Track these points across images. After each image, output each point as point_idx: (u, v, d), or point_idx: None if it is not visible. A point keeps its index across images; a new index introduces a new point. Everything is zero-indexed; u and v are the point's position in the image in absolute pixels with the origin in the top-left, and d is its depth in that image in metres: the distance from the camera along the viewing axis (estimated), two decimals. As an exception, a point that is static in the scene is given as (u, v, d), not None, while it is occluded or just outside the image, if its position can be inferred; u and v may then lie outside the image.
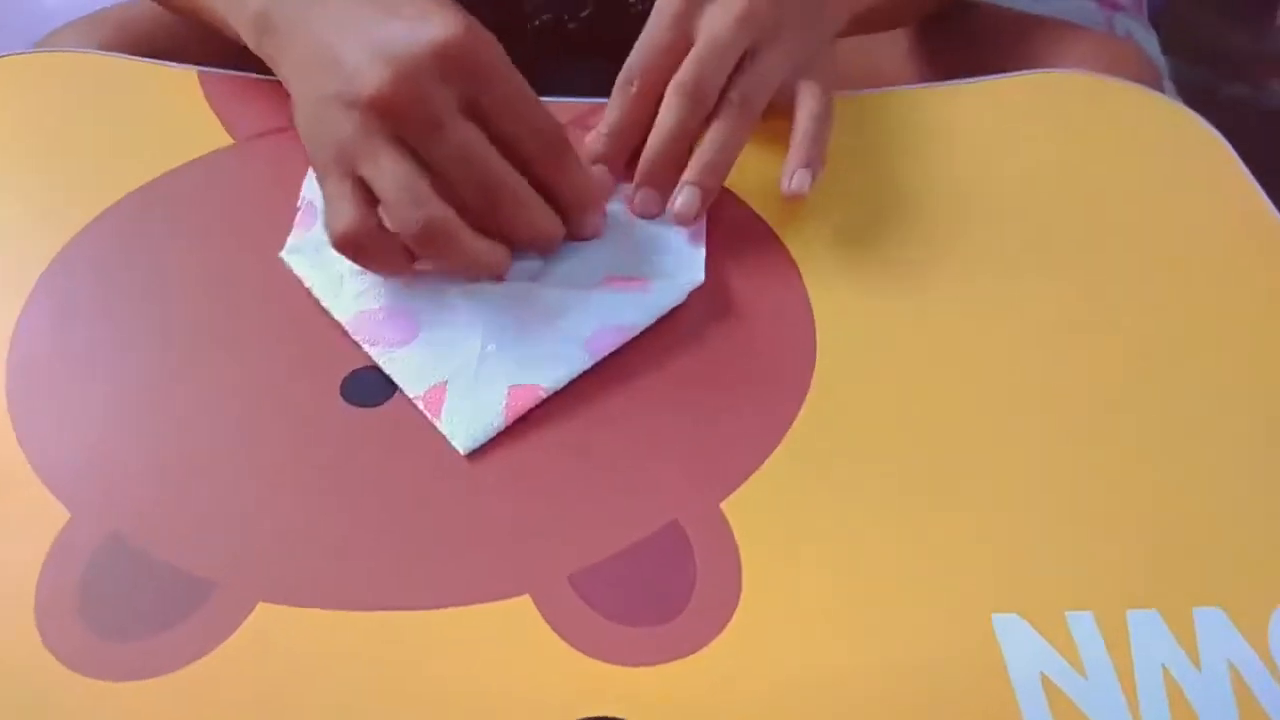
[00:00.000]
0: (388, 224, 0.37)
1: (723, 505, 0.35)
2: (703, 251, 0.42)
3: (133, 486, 0.35)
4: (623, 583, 0.33)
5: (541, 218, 0.40)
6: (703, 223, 0.43)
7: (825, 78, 0.44)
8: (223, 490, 0.35)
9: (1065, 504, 0.36)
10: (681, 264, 0.41)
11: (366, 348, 0.38)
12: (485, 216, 0.38)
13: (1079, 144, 0.49)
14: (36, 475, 0.35)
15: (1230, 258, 0.44)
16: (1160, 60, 0.68)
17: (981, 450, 0.37)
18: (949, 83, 0.51)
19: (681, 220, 0.42)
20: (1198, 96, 0.53)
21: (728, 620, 0.32)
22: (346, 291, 0.40)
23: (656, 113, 0.42)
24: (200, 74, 0.49)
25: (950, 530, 0.35)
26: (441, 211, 0.37)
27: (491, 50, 0.38)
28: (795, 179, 0.42)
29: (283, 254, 0.41)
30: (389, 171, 0.36)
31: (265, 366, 0.39)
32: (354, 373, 0.38)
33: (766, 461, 0.36)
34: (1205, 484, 0.36)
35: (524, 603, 0.32)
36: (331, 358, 0.39)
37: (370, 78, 0.36)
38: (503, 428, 0.36)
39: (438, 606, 0.32)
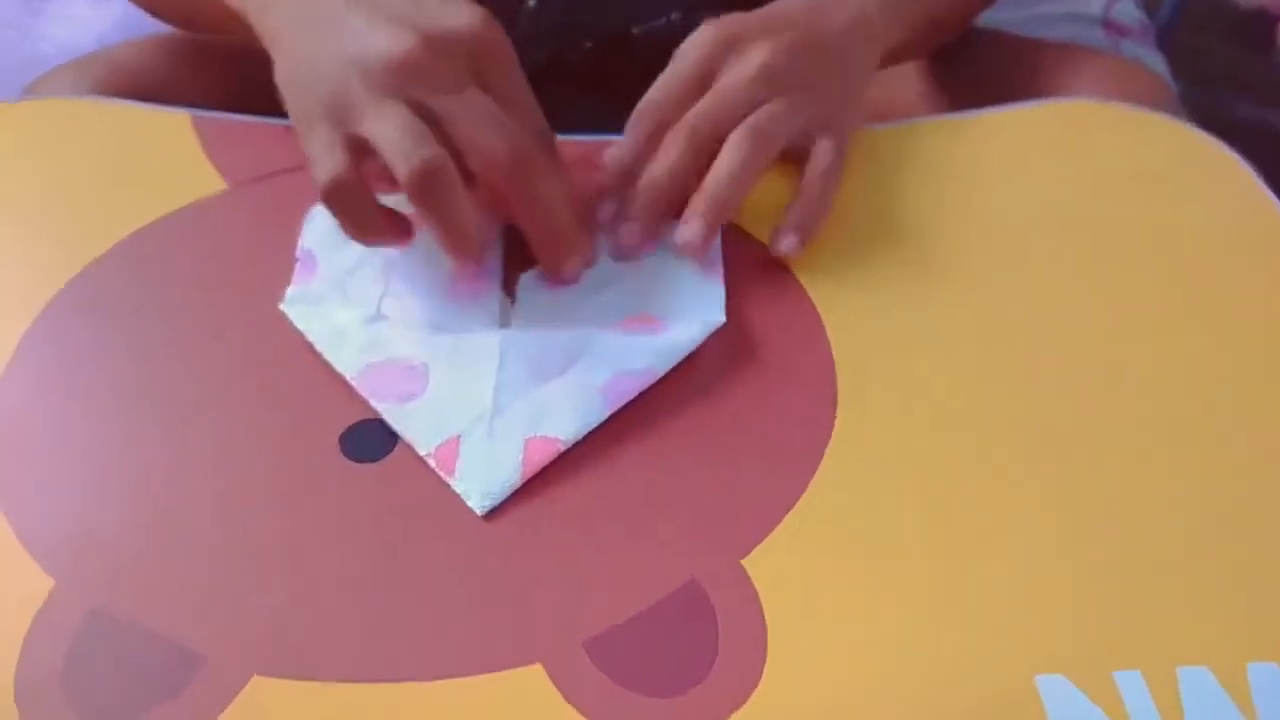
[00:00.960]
0: (389, 167, 0.36)
1: (744, 562, 0.33)
2: (722, 291, 0.40)
3: (120, 553, 0.33)
4: (641, 648, 0.31)
5: (559, 192, 0.39)
6: (719, 262, 0.41)
7: (845, 127, 0.44)
8: (214, 556, 0.33)
9: (1109, 558, 0.34)
10: (700, 304, 0.40)
11: (374, 403, 0.37)
12: (506, 183, 0.37)
13: (1099, 172, 0.48)
14: (20, 543, 0.33)
15: (1260, 282, 0.43)
16: (1171, 85, 0.68)
17: (1015, 502, 0.35)
18: (964, 114, 0.50)
19: (684, 251, 0.41)
20: (1207, 120, 0.52)
21: (754, 686, 0.30)
22: (350, 344, 0.38)
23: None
24: (194, 117, 0.48)
25: (986, 586, 0.33)
26: (444, 157, 0.36)
27: (508, 47, 0.39)
28: (784, 243, 0.42)
29: (282, 305, 0.40)
30: (394, 119, 0.36)
31: (260, 423, 0.37)
32: (353, 426, 0.37)
33: (788, 515, 0.34)
34: (1254, 534, 0.35)
35: (535, 672, 0.31)
36: (330, 411, 0.37)
37: (388, 38, 0.36)
38: (520, 485, 0.35)
39: (444, 677, 0.31)
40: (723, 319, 0.39)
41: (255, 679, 0.30)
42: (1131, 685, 0.31)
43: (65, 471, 0.35)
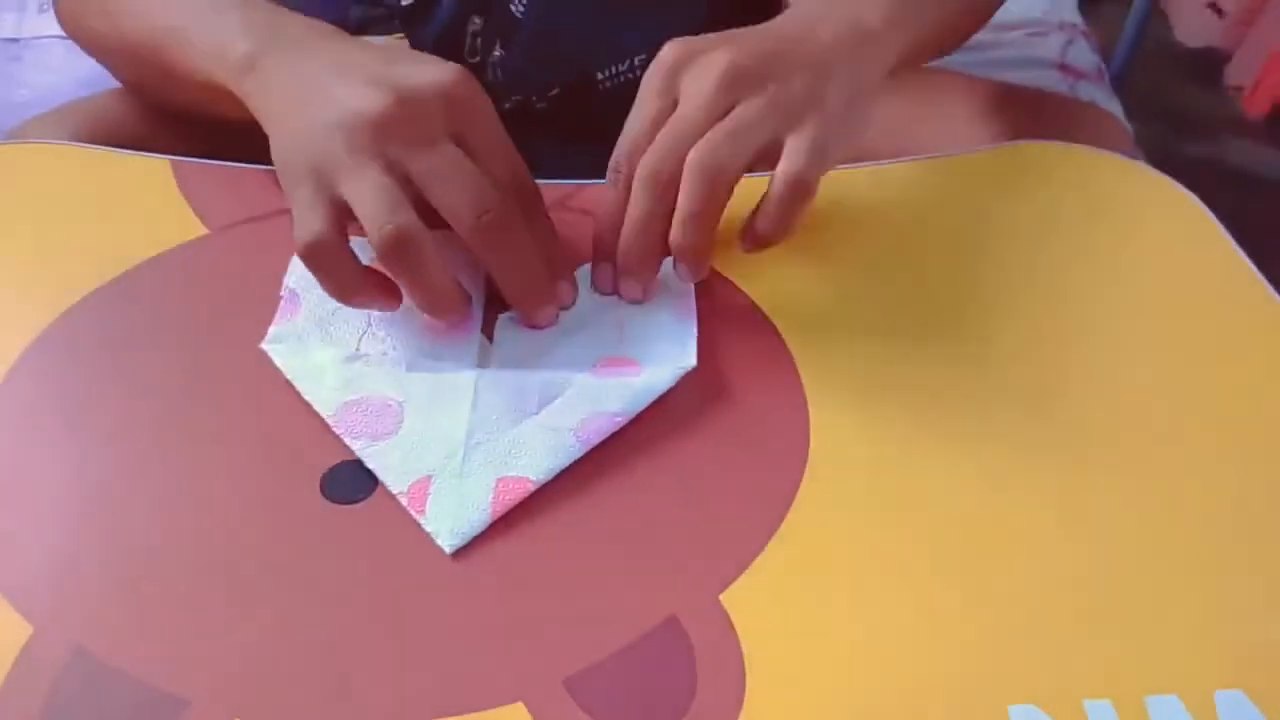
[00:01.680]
0: (364, 231, 0.37)
1: (722, 597, 0.34)
2: (694, 334, 0.41)
3: (101, 597, 0.33)
4: (621, 684, 0.31)
5: (530, 246, 0.39)
6: (693, 305, 0.42)
7: (824, 130, 0.40)
8: (196, 599, 0.33)
9: (1077, 589, 0.34)
10: (673, 348, 0.40)
11: (348, 441, 0.37)
12: (475, 238, 0.38)
13: (1059, 211, 0.49)
14: (-2, 589, 0.33)
15: (1216, 314, 0.44)
16: (1126, 125, 0.70)
17: (988, 536, 0.36)
18: (927, 157, 0.52)
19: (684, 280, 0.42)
20: (1161, 158, 0.54)
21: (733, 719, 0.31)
22: (329, 383, 0.39)
23: None
24: (173, 163, 0.49)
25: (960, 619, 0.33)
26: (415, 224, 0.37)
27: (484, 99, 0.39)
28: (744, 245, 0.41)
29: (264, 344, 0.40)
30: (371, 183, 0.37)
31: (241, 465, 0.37)
32: (334, 468, 0.37)
33: (764, 551, 0.35)
34: (1221, 564, 0.35)
35: (517, 710, 0.31)
36: (311, 453, 0.37)
37: (368, 99, 0.37)
38: (489, 523, 0.35)
39: (427, 717, 0.31)
40: (694, 363, 0.39)
41: (237, 723, 0.30)
42: (1102, 714, 0.31)
43: (44, 516, 0.35)
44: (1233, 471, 0.38)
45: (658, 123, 0.41)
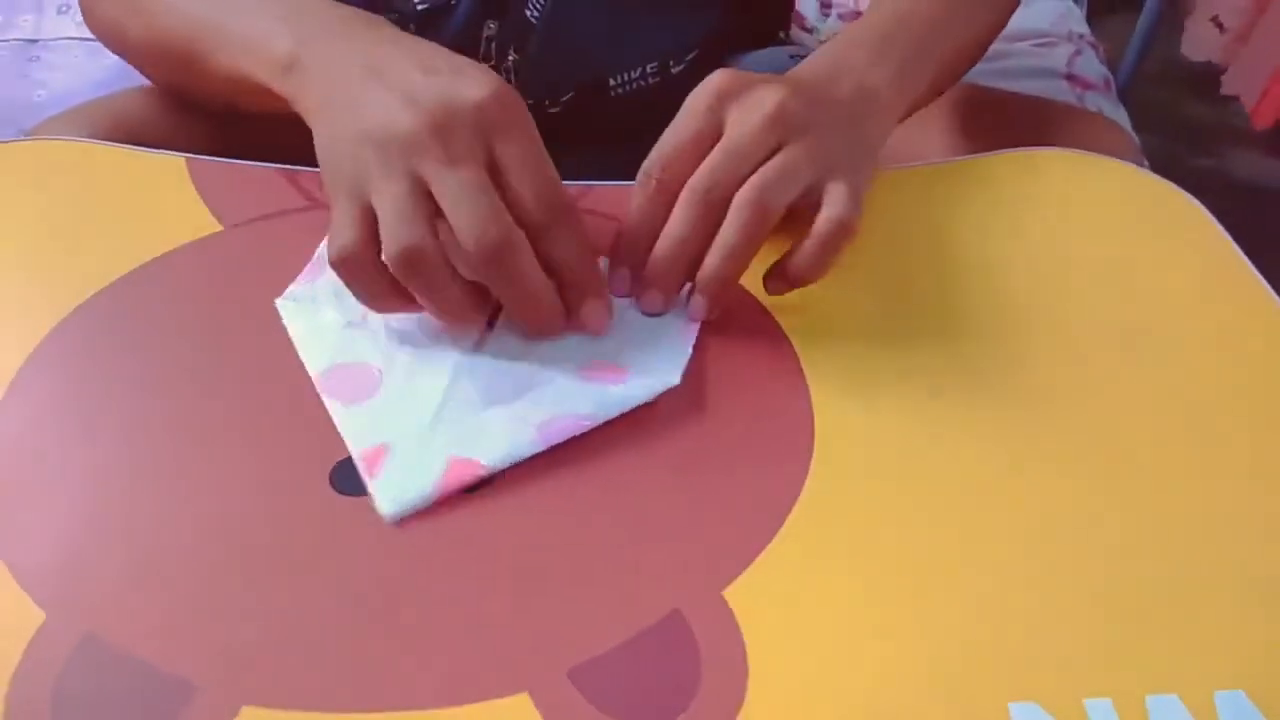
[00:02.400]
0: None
1: (725, 593, 0.34)
2: (688, 355, 0.41)
3: (111, 585, 0.34)
4: (625, 677, 0.32)
5: (536, 279, 0.39)
6: (696, 328, 0.42)
7: (859, 182, 0.43)
8: (204, 587, 0.34)
9: (1078, 588, 0.35)
10: (662, 364, 0.40)
11: (325, 399, 0.38)
12: (479, 266, 0.38)
13: (1067, 217, 0.49)
14: (10, 575, 0.34)
15: (1222, 319, 0.44)
16: (1133, 136, 0.70)
17: (990, 534, 0.36)
18: (934, 162, 0.52)
19: (693, 320, 0.42)
20: (1166, 169, 0.54)
21: (735, 714, 0.31)
22: (324, 343, 0.40)
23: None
24: (188, 161, 0.49)
25: (962, 616, 0.34)
26: (429, 242, 0.37)
27: (521, 111, 0.39)
28: (770, 286, 0.42)
29: (278, 300, 0.42)
30: (394, 198, 0.37)
31: (252, 456, 0.38)
32: (343, 460, 0.37)
33: (768, 547, 0.35)
34: (1222, 564, 0.36)
35: (522, 701, 0.31)
36: (320, 445, 0.38)
37: (404, 118, 0.37)
38: (432, 500, 0.36)
39: (432, 706, 0.31)
40: (677, 381, 0.39)
41: (245, 709, 0.31)
42: (1102, 713, 0.31)
43: (57, 504, 0.36)
44: (1234, 474, 0.38)
45: (698, 142, 0.41)
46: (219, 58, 0.46)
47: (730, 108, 0.41)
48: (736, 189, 0.40)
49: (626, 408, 0.39)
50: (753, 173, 0.40)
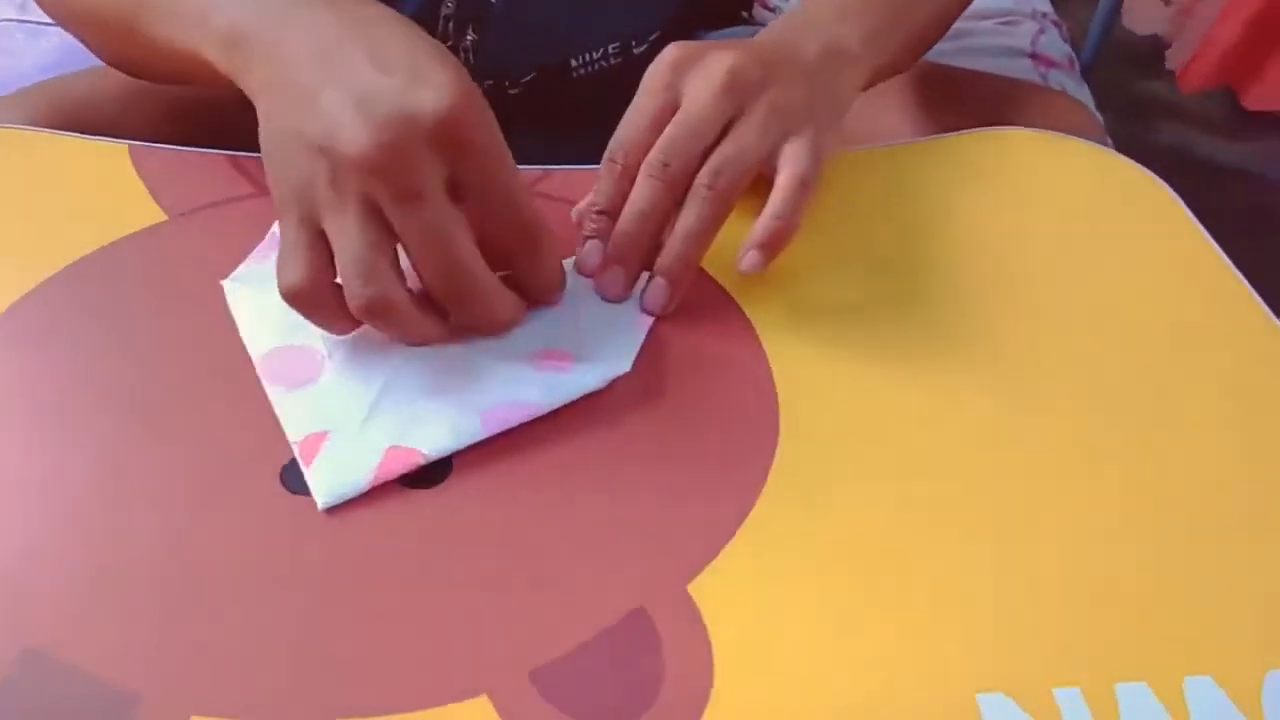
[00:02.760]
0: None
1: (689, 587, 0.33)
2: (639, 342, 0.40)
3: (53, 592, 0.32)
4: (587, 677, 0.31)
5: (501, 309, 0.39)
6: (649, 316, 0.41)
7: (819, 138, 0.42)
8: (150, 593, 0.32)
9: (1046, 576, 0.34)
10: (613, 351, 0.39)
11: (266, 384, 0.38)
12: (445, 303, 0.37)
13: (1032, 196, 0.49)
14: (-55, 584, 0.32)
15: (1186, 296, 0.44)
16: (1096, 115, 0.70)
17: (956, 525, 0.36)
18: (898, 143, 0.51)
19: (652, 311, 0.41)
20: (1130, 147, 0.54)
21: (701, 710, 0.30)
22: (267, 324, 0.39)
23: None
24: (131, 148, 0.48)
25: (928, 607, 0.33)
26: (391, 290, 0.36)
27: (485, 125, 0.36)
28: (748, 259, 0.41)
29: (224, 281, 0.41)
30: (350, 235, 0.35)
31: (198, 455, 0.36)
32: (294, 459, 0.36)
33: (732, 540, 0.34)
34: (1188, 549, 0.35)
35: (482, 704, 0.30)
36: (270, 444, 0.36)
37: (354, 134, 0.34)
38: (366, 489, 0.35)
39: (388, 712, 0.30)
40: (628, 368, 0.39)
41: (193, 719, 0.30)
42: (1071, 702, 0.31)
43: (-5, 509, 0.35)
44: (1201, 458, 0.38)
45: (658, 119, 0.41)
46: (160, 28, 0.43)
47: (685, 79, 0.41)
48: (696, 162, 0.40)
49: (575, 395, 0.38)
50: (713, 143, 0.40)
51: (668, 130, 0.40)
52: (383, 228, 0.35)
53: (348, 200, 0.35)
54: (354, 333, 0.39)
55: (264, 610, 0.32)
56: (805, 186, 0.41)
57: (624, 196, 0.41)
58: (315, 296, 0.36)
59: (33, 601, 0.32)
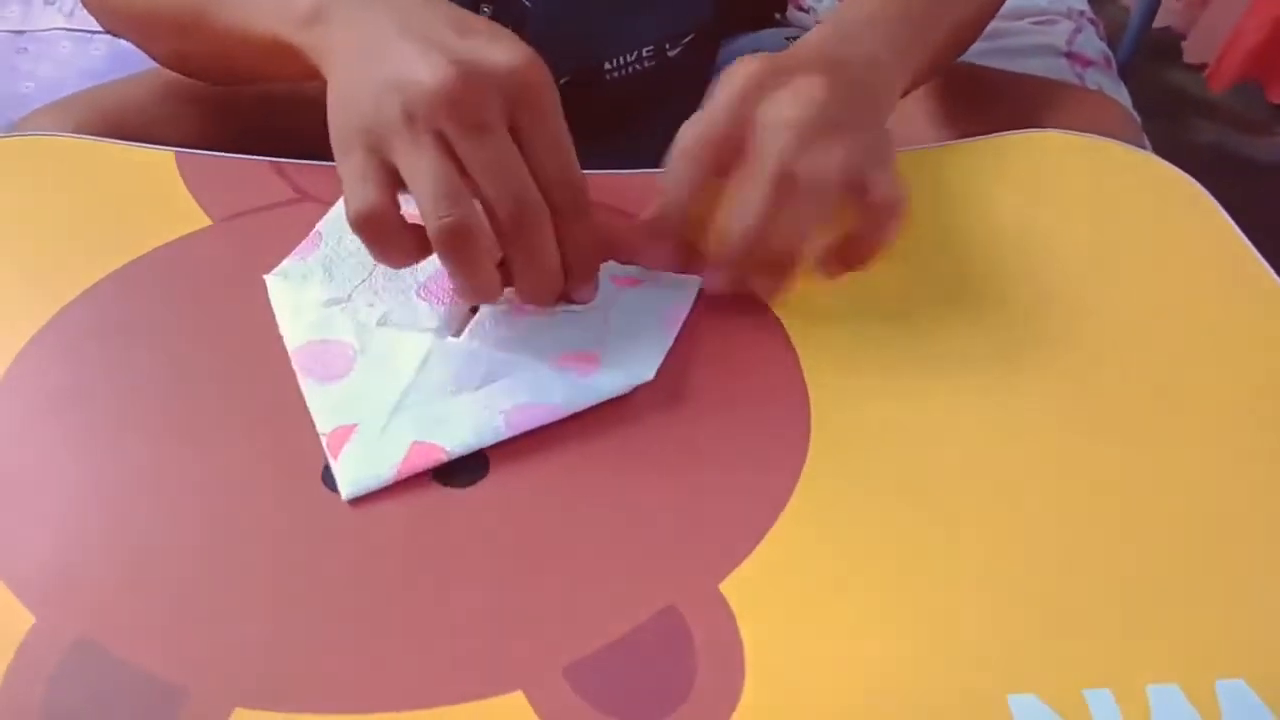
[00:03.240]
0: (418, 213, 0.37)
1: (721, 586, 0.34)
2: (666, 349, 0.40)
3: (102, 587, 0.33)
4: (620, 674, 0.31)
5: (553, 254, 0.39)
6: (680, 320, 0.42)
7: (888, 157, 0.42)
8: (196, 589, 0.33)
9: (1078, 578, 0.34)
10: (638, 358, 0.40)
11: (300, 377, 0.39)
12: (504, 234, 0.38)
13: (1067, 199, 0.49)
14: (0, 579, 0.33)
15: (1223, 307, 0.44)
16: (1133, 114, 0.69)
17: (988, 525, 0.36)
18: (934, 145, 0.51)
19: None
20: (1169, 147, 0.54)
21: (732, 709, 0.31)
22: (304, 319, 0.40)
23: (709, 187, 0.41)
24: (176, 155, 0.49)
25: (960, 608, 0.33)
26: (474, 216, 0.36)
27: (551, 90, 0.38)
28: (831, 268, 0.42)
29: (268, 275, 0.42)
30: (429, 163, 0.36)
31: (243, 455, 0.37)
32: (329, 466, 0.37)
33: (764, 540, 0.35)
34: (1224, 551, 0.35)
35: (517, 699, 0.31)
36: (312, 443, 0.37)
37: (434, 69, 0.36)
38: (390, 482, 0.36)
39: (426, 706, 0.31)
40: (651, 376, 0.39)
41: (238, 711, 0.30)
42: (1102, 704, 0.31)
43: (47, 507, 0.36)
44: (1239, 459, 0.38)
45: (729, 133, 0.40)
46: (232, 17, 0.44)
47: (764, 95, 0.40)
48: (817, 179, 0.39)
49: (598, 399, 0.38)
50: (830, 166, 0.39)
51: (784, 143, 0.39)
52: (455, 163, 0.36)
53: (421, 133, 0.36)
54: (384, 329, 0.40)
55: (305, 606, 0.33)
56: (900, 209, 0.41)
57: (696, 194, 0.41)
58: (386, 221, 0.37)
59: (84, 596, 0.33)
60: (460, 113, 0.36)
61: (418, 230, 0.38)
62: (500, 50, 0.37)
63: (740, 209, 0.40)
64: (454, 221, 0.36)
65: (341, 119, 0.38)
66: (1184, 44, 1.49)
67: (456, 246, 0.36)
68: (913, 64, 0.48)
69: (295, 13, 0.42)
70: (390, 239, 0.37)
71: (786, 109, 0.40)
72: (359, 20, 0.40)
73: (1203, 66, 1.48)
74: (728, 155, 0.41)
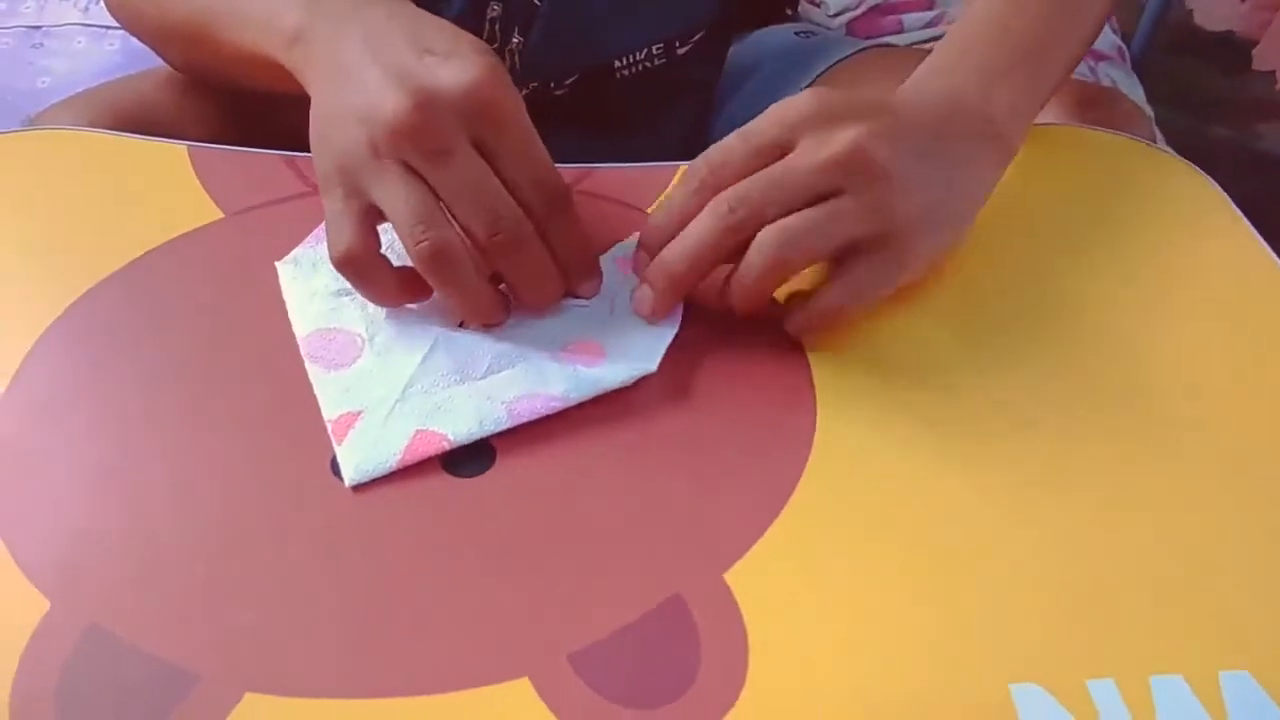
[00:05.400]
0: (400, 242, 0.37)
1: (726, 576, 0.34)
2: (668, 341, 0.40)
3: (115, 573, 0.34)
4: (625, 661, 0.32)
5: (543, 260, 0.39)
6: (679, 313, 0.41)
7: (912, 256, 0.39)
8: (207, 576, 0.34)
9: (1081, 569, 0.34)
10: (642, 350, 0.40)
11: (307, 363, 0.39)
12: (488, 253, 0.38)
13: (1076, 195, 0.49)
14: (16, 565, 0.34)
15: (1232, 304, 0.44)
16: (1147, 108, 0.69)
17: (991, 515, 0.36)
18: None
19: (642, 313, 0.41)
20: (1183, 142, 0.53)
21: (735, 698, 0.31)
22: (315, 307, 0.41)
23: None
24: (190, 149, 0.49)
25: (963, 597, 0.34)
26: (451, 235, 0.37)
27: (511, 99, 0.38)
28: (789, 325, 0.40)
29: (279, 262, 0.43)
30: (400, 192, 0.37)
31: (254, 445, 0.38)
32: (335, 451, 0.37)
33: (769, 529, 0.35)
34: (1229, 543, 0.35)
35: (522, 685, 0.31)
36: (321, 433, 0.38)
37: (389, 99, 0.37)
38: (393, 469, 0.36)
39: (433, 692, 0.31)
40: (654, 368, 0.39)
41: (248, 696, 0.31)
42: (1105, 694, 0.31)
43: (62, 494, 0.36)
44: (1242, 454, 0.38)
45: (758, 155, 0.39)
46: (230, 34, 0.46)
47: (805, 134, 0.38)
48: (770, 215, 0.37)
49: (601, 390, 0.38)
50: (797, 208, 0.37)
51: (759, 174, 0.38)
52: (427, 187, 0.37)
53: (388, 165, 0.37)
54: (393, 319, 0.40)
55: (315, 594, 0.33)
56: (829, 317, 0.39)
57: (689, 212, 0.39)
58: (366, 260, 0.38)
59: (97, 582, 0.34)
60: (419, 141, 0.37)
61: (408, 270, 0.38)
62: (455, 70, 0.37)
63: (687, 228, 0.39)
64: (431, 243, 0.36)
65: (320, 154, 0.39)
66: (1255, 51, 1.47)
67: (440, 267, 0.37)
68: (1029, 121, 0.44)
69: (282, 33, 0.43)
70: (371, 276, 0.38)
71: (802, 154, 0.37)
72: (334, 42, 0.41)
73: (1272, 74, 1.46)
74: (732, 168, 0.39)
